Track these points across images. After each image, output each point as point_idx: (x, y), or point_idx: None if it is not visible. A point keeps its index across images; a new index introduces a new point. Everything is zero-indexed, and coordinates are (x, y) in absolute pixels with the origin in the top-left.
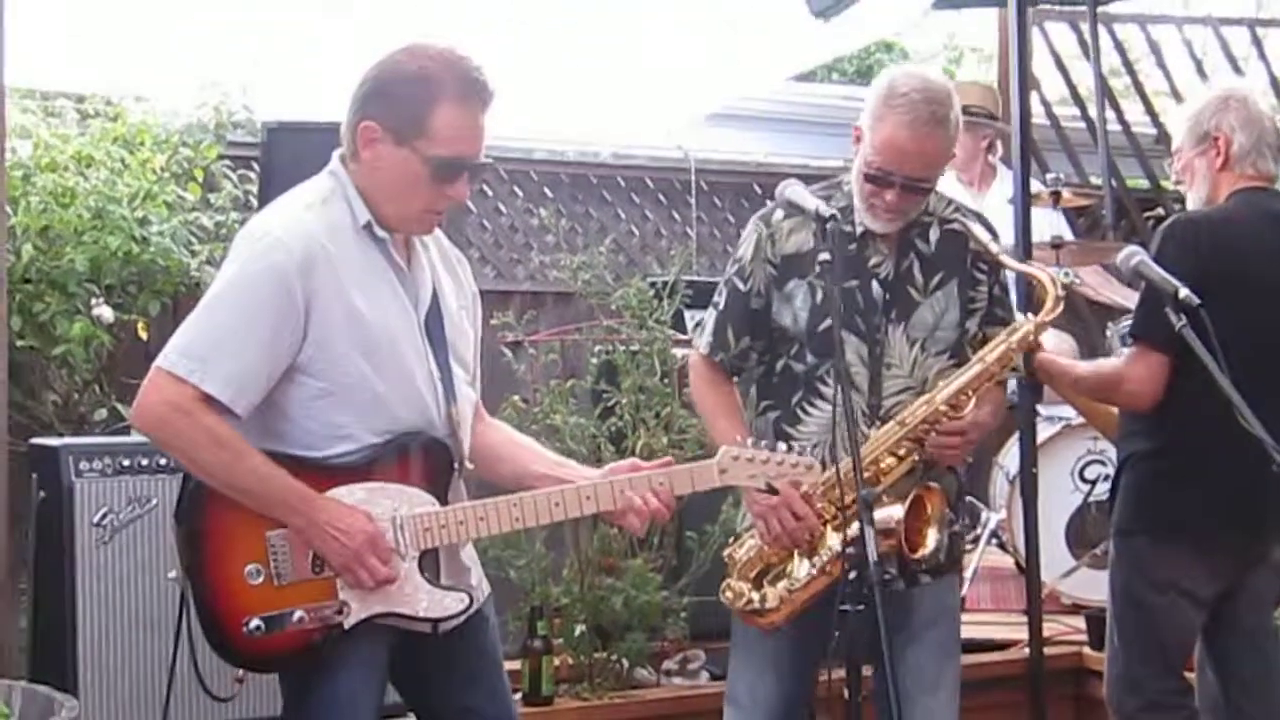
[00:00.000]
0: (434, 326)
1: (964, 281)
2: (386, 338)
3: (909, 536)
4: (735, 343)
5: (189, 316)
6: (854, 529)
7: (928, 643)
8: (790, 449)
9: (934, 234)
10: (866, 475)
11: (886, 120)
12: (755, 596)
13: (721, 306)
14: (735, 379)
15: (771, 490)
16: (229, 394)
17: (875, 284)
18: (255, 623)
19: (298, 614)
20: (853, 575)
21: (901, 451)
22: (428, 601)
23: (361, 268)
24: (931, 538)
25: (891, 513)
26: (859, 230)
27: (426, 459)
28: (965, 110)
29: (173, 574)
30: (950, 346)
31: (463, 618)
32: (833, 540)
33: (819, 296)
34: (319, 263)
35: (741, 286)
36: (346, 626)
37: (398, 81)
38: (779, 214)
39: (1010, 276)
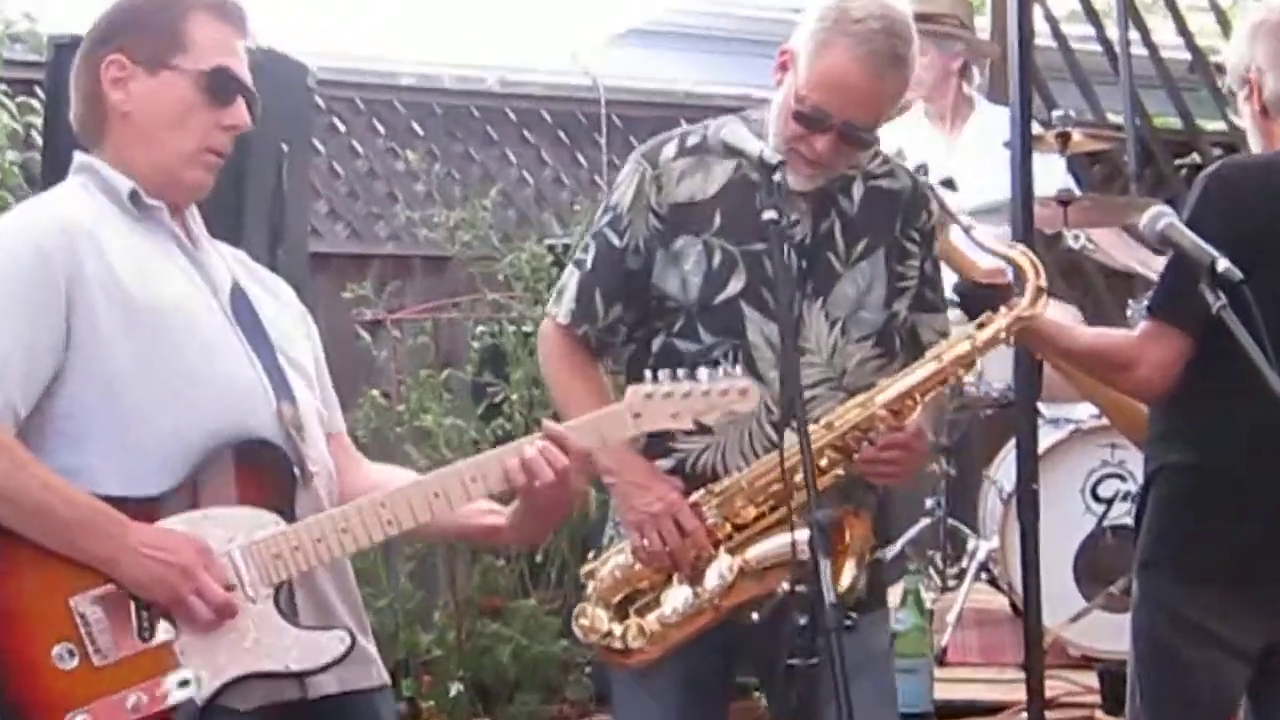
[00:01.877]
0: (244, 315)
1: (891, 252)
2: (181, 319)
3: None
4: (605, 313)
5: None
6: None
7: (857, 697)
8: (716, 375)
9: (857, 190)
10: (777, 487)
11: (834, 47)
12: (616, 629)
13: (589, 265)
14: (601, 360)
15: (703, 428)
16: None
17: (788, 249)
18: (80, 719)
19: (132, 699)
20: (802, 621)
21: (824, 462)
22: (298, 650)
23: (133, 243)
24: (849, 572)
25: (798, 539)
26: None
27: (258, 469)
28: (930, 19)
29: None
30: (875, 331)
31: (341, 666)
32: (723, 565)
33: (717, 259)
34: (79, 239)
35: (616, 241)
36: (200, 702)
37: (138, 6)
38: (669, 150)
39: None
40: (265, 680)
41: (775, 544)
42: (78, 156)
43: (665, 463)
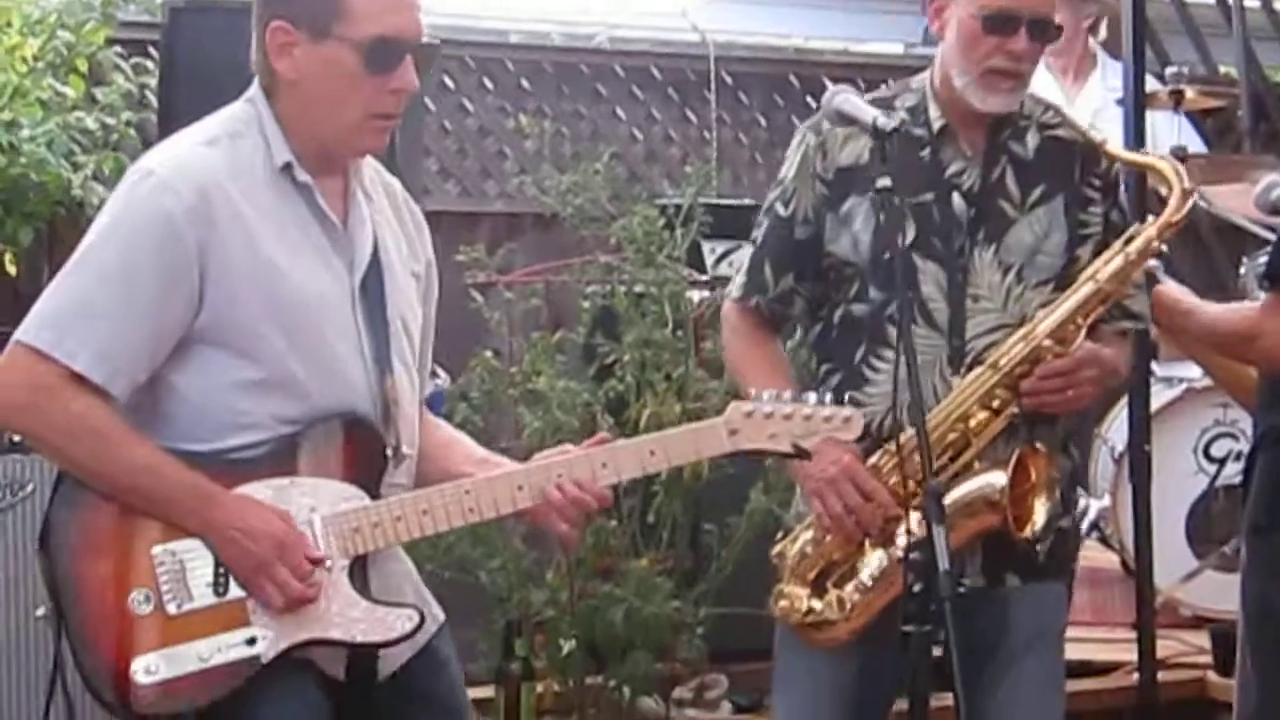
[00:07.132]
0: (372, 291)
1: (1072, 200)
2: (307, 306)
3: (1013, 509)
4: (775, 282)
5: (54, 279)
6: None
7: (1023, 677)
8: (822, 400)
9: (1032, 139)
10: (953, 436)
11: None
12: (816, 605)
13: (759, 240)
14: (778, 333)
15: (801, 453)
16: (103, 372)
17: (957, 196)
18: (148, 662)
19: (199, 650)
20: (918, 588)
21: (996, 403)
22: (366, 622)
23: (277, 219)
24: (1041, 510)
25: (991, 480)
26: (937, 126)
27: (349, 445)
28: None
29: (40, 611)
30: (1054, 276)
31: (411, 645)
32: (914, 523)
33: (884, 214)
34: (218, 208)
35: (783, 211)
36: (264, 660)
37: None
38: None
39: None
40: (330, 645)
41: (963, 490)
42: (257, 85)
43: None
